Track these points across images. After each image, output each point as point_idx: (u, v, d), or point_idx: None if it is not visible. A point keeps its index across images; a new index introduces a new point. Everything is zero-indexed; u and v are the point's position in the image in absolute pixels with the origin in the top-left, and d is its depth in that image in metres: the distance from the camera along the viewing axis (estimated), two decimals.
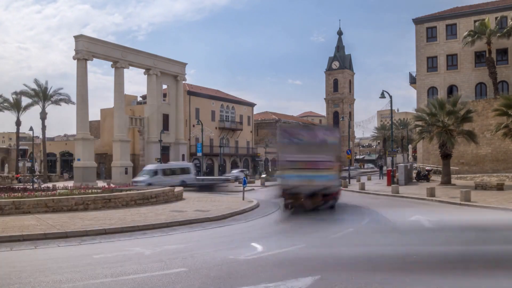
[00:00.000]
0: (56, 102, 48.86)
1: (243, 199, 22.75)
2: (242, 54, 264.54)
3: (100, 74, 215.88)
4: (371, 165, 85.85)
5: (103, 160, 51.65)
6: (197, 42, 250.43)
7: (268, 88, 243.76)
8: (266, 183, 40.09)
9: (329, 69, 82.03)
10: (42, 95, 47.86)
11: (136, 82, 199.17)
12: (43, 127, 47.86)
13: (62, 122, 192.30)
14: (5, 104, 51.32)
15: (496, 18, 41.38)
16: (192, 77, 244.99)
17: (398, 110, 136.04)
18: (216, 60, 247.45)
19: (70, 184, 31.79)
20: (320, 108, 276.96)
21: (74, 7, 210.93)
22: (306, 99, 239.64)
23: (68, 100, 48.90)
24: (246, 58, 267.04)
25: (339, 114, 79.52)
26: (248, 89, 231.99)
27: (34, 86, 48.02)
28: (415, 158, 52.06)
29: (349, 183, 36.17)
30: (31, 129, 47.24)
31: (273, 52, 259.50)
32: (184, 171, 36.05)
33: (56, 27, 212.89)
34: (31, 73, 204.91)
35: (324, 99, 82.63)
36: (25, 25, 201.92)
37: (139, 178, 33.46)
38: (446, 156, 31.56)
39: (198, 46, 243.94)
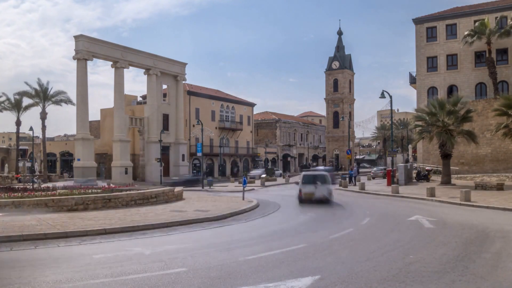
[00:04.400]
0: (56, 102, 48.86)
1: (243, 199, 22.77)
2: (233, 51, 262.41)
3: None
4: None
5: (103, 160, 51.65)
6: (185, 38, 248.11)
7: (262, 86, 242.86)
8: (266, 183, 40.11)
9: (329, 69, 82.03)
10: (42, 95, 47.86)
11: (134, 82, 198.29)
12: (43, 127, 47.87)
13: (62, 122, 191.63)
14: (6, 104, 51.33)
15: (496, 18, 41.39)
16: None
17: (398, 110, 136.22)
18: (206, 57, 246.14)
19: (70, 184, 31.83)
20: (320, 108, 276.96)
21: (53, 0, 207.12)
22: (303, 98, 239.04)
23: (68, 100, 48.92)
24: (238, 55, 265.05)
25: (339, 114, 79.51)
26: (241, 87, 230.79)
27: (36, 86, 48.06)
28: (415, 158, 52.05)
29: (349, 183, 36.13)
30: (31, 129, 47.31)
31: (266, 49, 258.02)
32: None
33: (37, 23, 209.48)
34: (15, 69, 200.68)
35: (324, 99, 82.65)
36: (3, 20, 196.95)
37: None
38: (446, 156, 31.58)
39: (187, 43, 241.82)
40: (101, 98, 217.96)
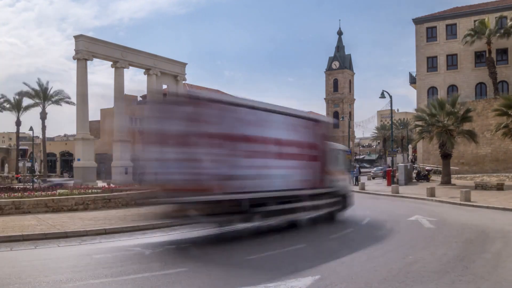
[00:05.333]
0: (57, 102, 48.89)
1: None
2: (231, 50, 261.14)
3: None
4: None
5: (103, 160, 51.63)
6: (182, 37, 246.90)
7: (260, 86, 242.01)
8: None
9: (329, 69, 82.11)
10: (42, 95, 47.87)
11: (133, 81, 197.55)
12: (43, 127, 47.91)
13: (62, 122, 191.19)
14: (6, 104, 51.39)
15: (496, 18, 41.39)
16: None
17: (398, 110, 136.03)
18: (204, 56, 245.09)
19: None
20: (320, 108, 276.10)
21: None
22: (303, 98, 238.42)
23: (68, 100, 48.97)
24: (236, 55, 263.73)
25: (339, 114, 79.53)
26: (239, 86, 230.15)
27: (35, 86, 48.11)
28: (415, 158, 52.12)
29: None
30: (31, 129, 47.31)
31: (265, 49, 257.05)
32: None
33: (33, 22, 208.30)
34: (10, 69, 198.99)
35: (324, 99, 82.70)
36: None
37: None
38: (446, 156, 31.58)
39: (184, 42, 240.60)
40: (98, 97, 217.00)
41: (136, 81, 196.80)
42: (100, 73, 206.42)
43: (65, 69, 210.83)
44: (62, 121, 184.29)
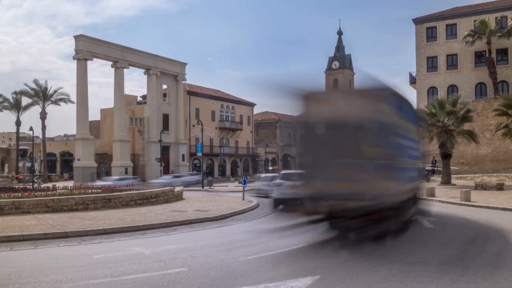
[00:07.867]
0: (56, 102, 48.89)
1: (243, 199, 22.77)
2: (227, 49, 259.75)
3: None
4: None
5: (103, 160, 51.65)
6: (174, 35, 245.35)
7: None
8: None
9: (329, 69, 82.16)
10: (42, 95, 47.89)
11: (135, 80, 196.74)
12: (43, 127, 47.91)
13: (62, 122, 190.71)
14: (5, 104, 51.39)
15: (496, 18, 41.41)
16: None
17: None
18: (200, 55, 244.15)
19: (70, 184, 31.81)
20: None
21: None
22: None
23: (68, 99, 48.98)
24: (232, 54, 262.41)
25: None
26: (236, 85, 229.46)
27: (32, 85, 48.14)
28: None
29: None
30: (31, 129, 47.23)
31: (264, 48, 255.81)
32: None
33: (22, 19, 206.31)
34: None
35: None
36: None
37: None
38: (446, 156, 31.58)
39: (179, 40, 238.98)
40: (92, 96, 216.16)
41: (130, 80, 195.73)
42: (93, 73, 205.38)
43: (55, 68, 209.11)
44: (62, 121, 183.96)
